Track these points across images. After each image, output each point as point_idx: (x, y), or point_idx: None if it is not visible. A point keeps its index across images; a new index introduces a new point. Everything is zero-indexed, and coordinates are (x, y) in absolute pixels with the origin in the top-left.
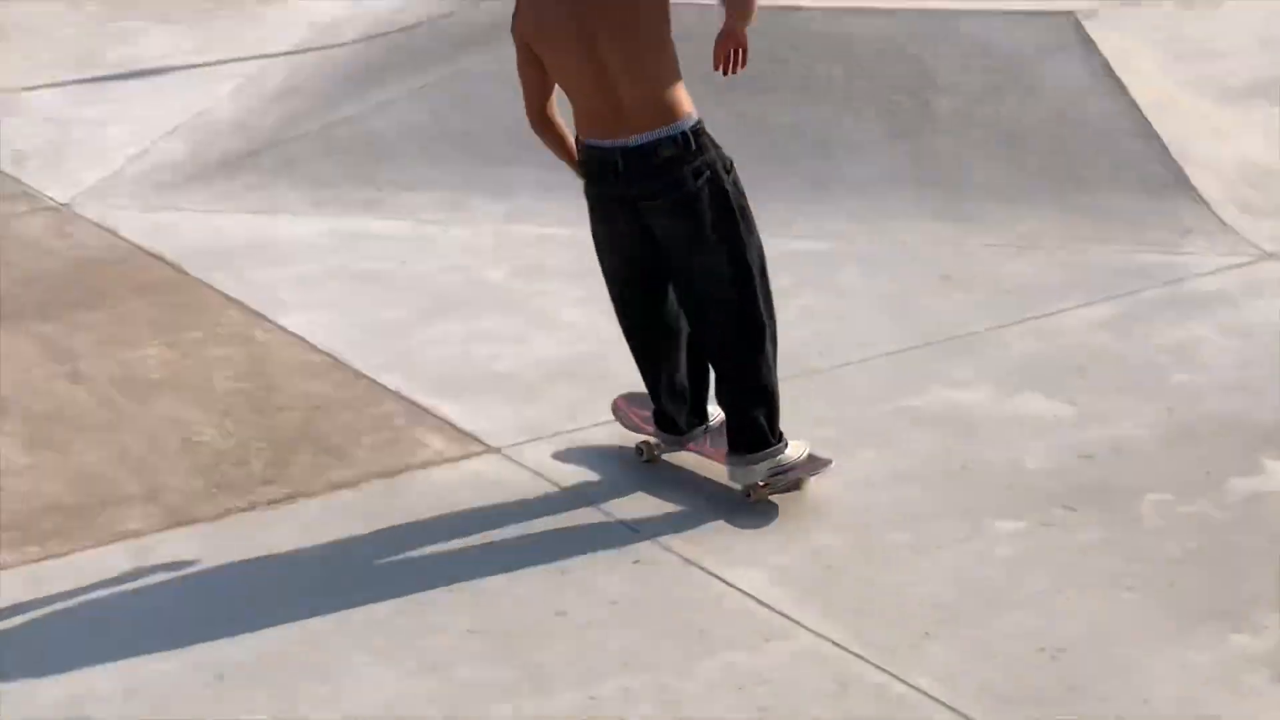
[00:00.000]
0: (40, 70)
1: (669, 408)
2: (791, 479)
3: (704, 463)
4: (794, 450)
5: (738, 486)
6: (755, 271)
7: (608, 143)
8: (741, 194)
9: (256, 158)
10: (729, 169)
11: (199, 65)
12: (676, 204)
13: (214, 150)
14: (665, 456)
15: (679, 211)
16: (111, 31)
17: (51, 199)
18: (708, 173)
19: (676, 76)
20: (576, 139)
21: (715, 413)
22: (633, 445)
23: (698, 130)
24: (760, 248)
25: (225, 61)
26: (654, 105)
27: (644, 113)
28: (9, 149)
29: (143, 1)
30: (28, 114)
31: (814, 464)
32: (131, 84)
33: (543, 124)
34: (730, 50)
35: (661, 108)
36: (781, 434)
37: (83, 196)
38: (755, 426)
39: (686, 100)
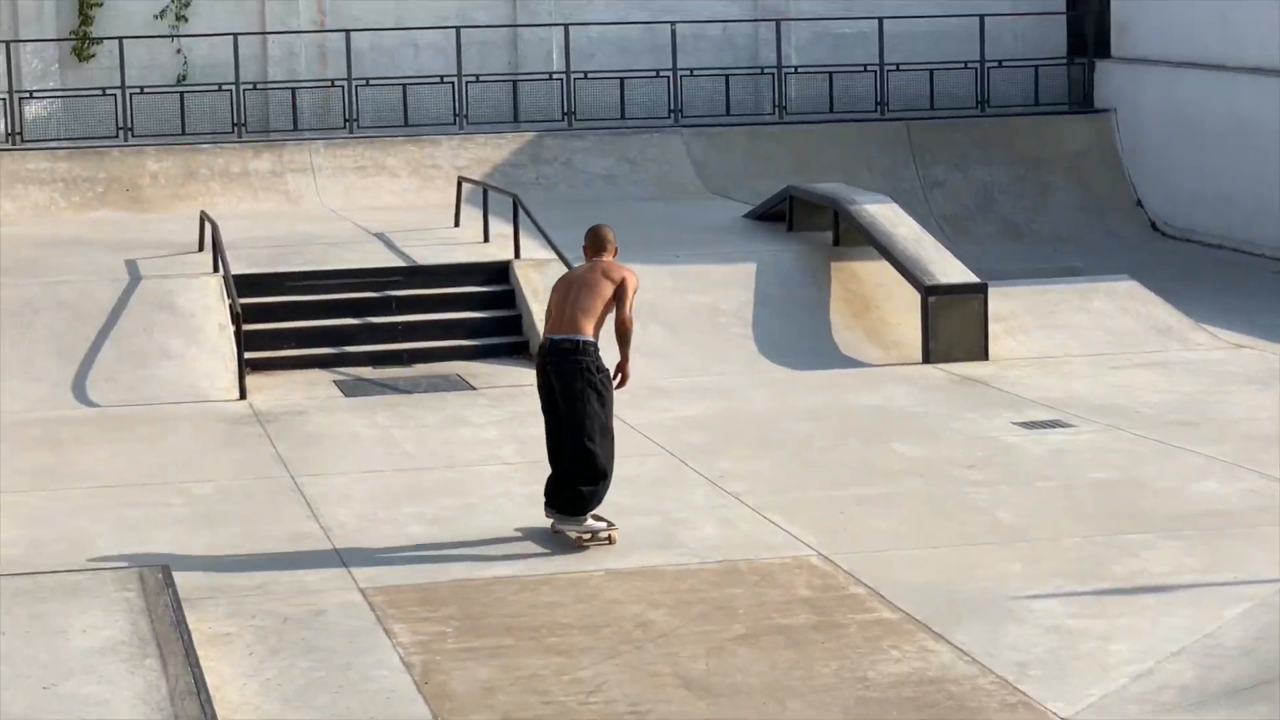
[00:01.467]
0: (1043, 579)
1: (550, 484)
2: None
3: None
4: (591, 524)
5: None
6: (591, 428)
7: (553, 337)
8: (606, 389)
9: (1268, 687)
10: (600, 369)
11: (1207, 585)
12: (561, 374)
13: (1221, 676)
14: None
15: (561, 378)
16: (1117, 544)
17: (1054, 712)
18: (583, 363)
19: (596, 324)
20: (543, 335)
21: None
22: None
23: (588, 342)
24: (603, 418)
25: (1235, 583)
26: (575, 328)
27: (569, 329)
28: (1011, 657)
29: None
30: (1031, 622)
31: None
32: (1137, 599)
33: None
34: (623, 375)
35: (577, 329)
36: (587, 516)
37: (1086, 712)
38: (570, 500)
39: (592, 331)
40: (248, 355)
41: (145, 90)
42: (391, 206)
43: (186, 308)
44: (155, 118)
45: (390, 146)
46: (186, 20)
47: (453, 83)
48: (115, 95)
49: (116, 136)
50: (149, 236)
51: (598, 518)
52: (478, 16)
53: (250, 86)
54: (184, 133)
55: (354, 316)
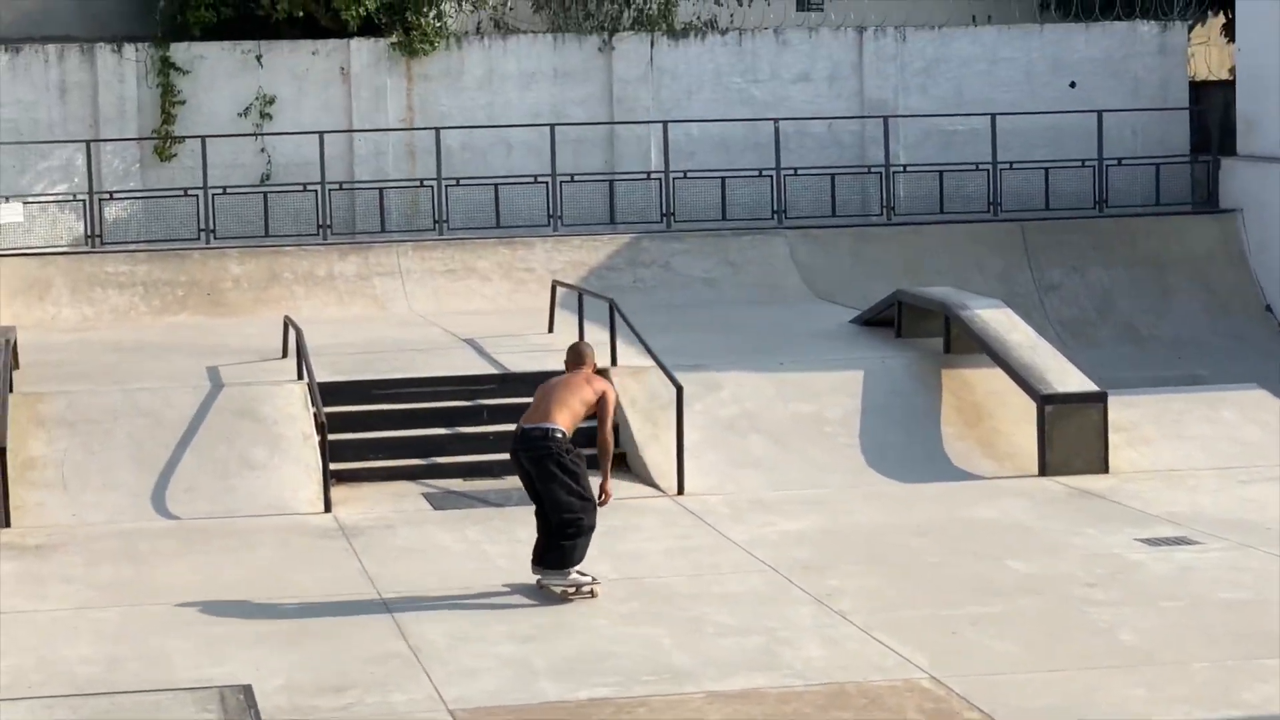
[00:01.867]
0: (1170, 705)
1: (540, 543)
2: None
3: None
4: (576, 577)
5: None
6: (568, 503)
7: (527, 425)
8: (577, 465)
9: None
10: (568, 450)
11: None
12: (532, 459)
13: None
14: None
15: (533, 461)
16: (1248, 669)
17: None
18: (551, 448)
19: (569, 419)
20: (518, 425)
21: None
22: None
23: (557, 429)
24: (579, 490)
25: None
26: (547, 418)
27: (541, 419)
28: None
29: None
30: None
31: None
32: None
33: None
34: (605, 495)
35: (548, 419)
36: (573, 569)
37: None
38: (555, 556)
39: (563, 422)
40: (333, 466)
41: (228, 190)
42: (482, 311)
43: (270, 416)
44: (238, 219)
45: (481, 249)
46: (271, 118)
47: (546, 182)
48: (197, 196)
49: (198, 238)
50: (231, 342)
51: (581, 573)
52: (573, 113)
53: (336, 186)
54: (267, 234)
55: (443, 426)
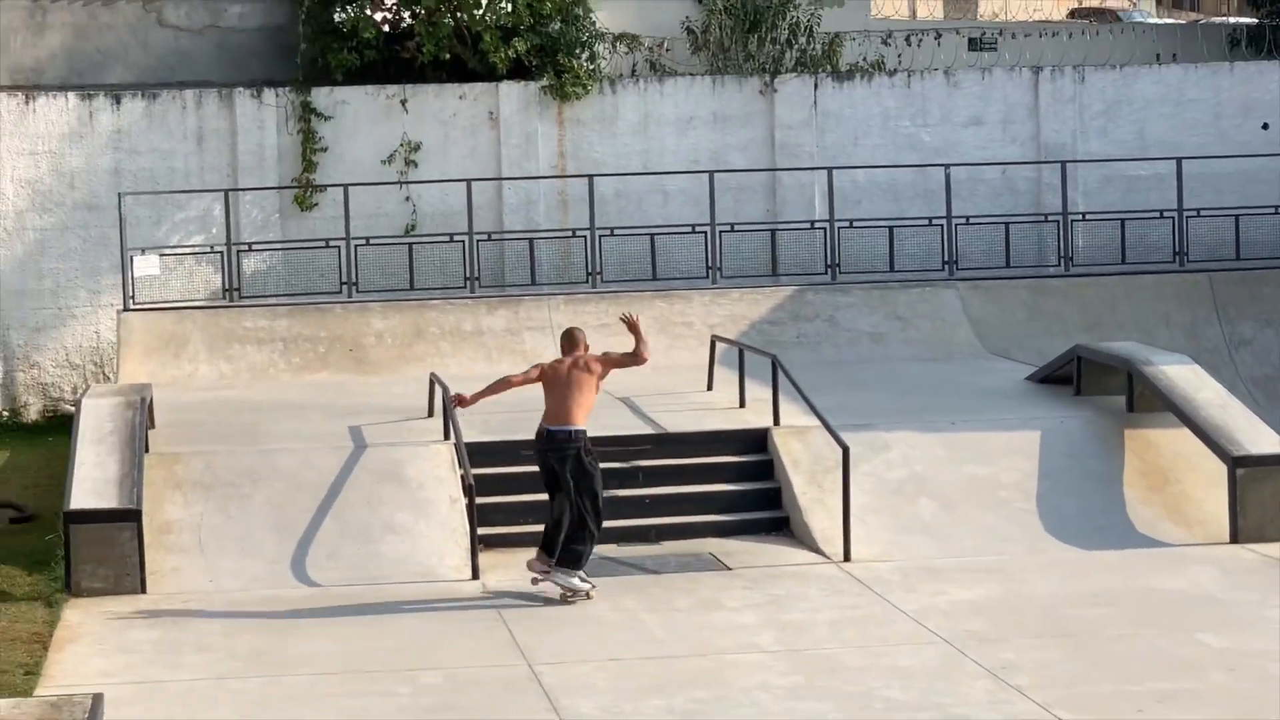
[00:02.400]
0: None
1: (551, 537)
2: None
3: None
4: (577, 583)
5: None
6: (585, 502)
7: (552, 427)
8: (595, 468)
9: None
10: (590, 453)
11: None
12: (561, 459)
13: None
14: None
15: (562, 461)
16: None
17: None
18: (576, 450)
19: (586, 414)
20: (541, 425)
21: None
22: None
23: (580, 431)
24: (594, 490)
25: None
26: (569, 419)
27: (565, 421)
28: None
29: None
30: None
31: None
32: None
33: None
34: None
35: (570, 421)
36: (579, 572)
37: None
38: (569, 556)
39: (586, 423)
40: (481, 530)
41: (371, 241)
42: (638, 368)
43: (415, 478)
44: (381, 271)
45: (637, 302)
46: (416, 165)
47: (705, 232)
48: (339, 247)
49: (340, 292)
50: (374, 400)
51: (583, 578)
52: (733, 160)
53: (484, 237)
54: (412, 288)
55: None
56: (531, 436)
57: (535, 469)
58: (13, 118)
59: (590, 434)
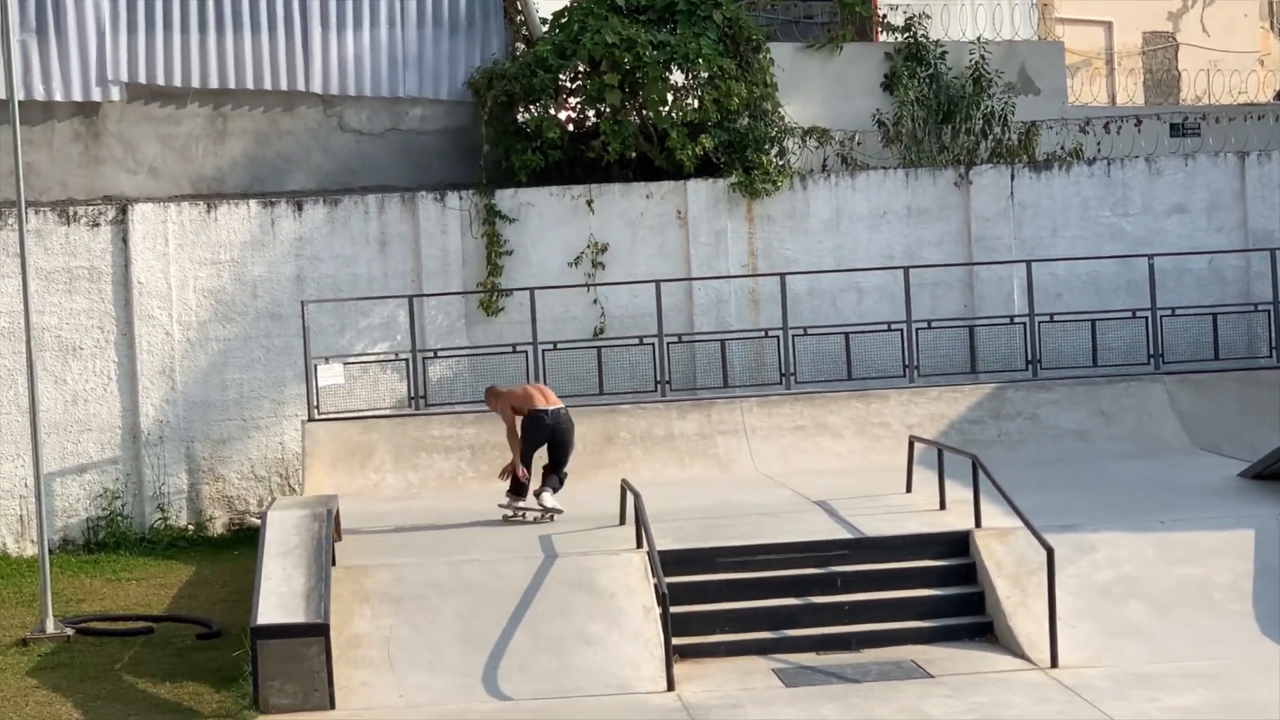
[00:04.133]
0: None
1: (544, 480)
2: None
3: None
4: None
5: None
6: (568, 455)
7: (551, 408)
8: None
9: None
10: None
11: None
12: (566, 428)
13: None
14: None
15: (568, 431)
16: None
17: None
18: (572, 422)
19: None
20: (531, 411)
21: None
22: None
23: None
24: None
25: None
26: (559, 403)
27: (556, 402)
28: None
29: None
30: None
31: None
32: None
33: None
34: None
35: (561, 404)
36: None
37: None
38: (559, 481)
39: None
40: (676, 640)
41: (558, 346)
42: (834, 470)
43: (608, 588)
44: (569, 376)
45: (832, 403)
46: (603, 267)
47: (901, 329)
48: (526, 352)
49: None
50: (565, 508)
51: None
52: (927, 254)
53: (675, 339)
54: (601, 392)
55: (794, 596)
56: (724, 543)
57: (732, 575)
58: (195, 227)
59: (786, 539)
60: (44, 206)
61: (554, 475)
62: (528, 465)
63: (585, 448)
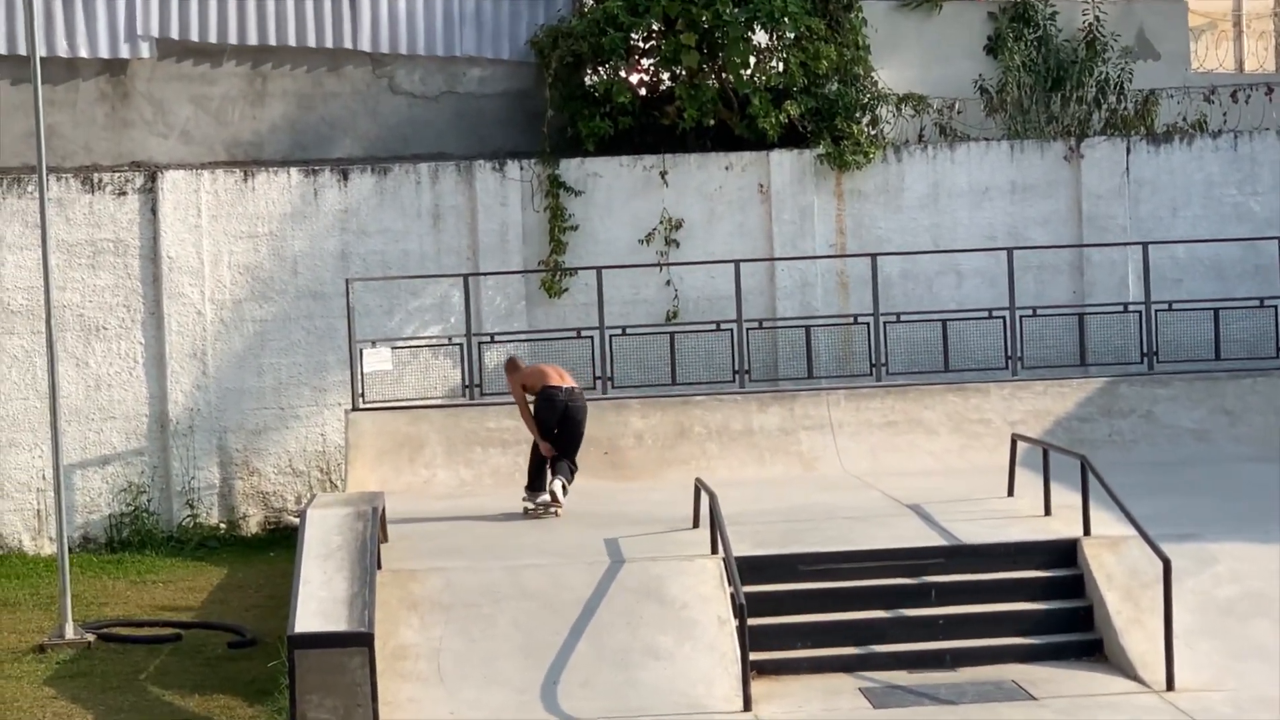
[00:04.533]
0: None
1: (552, 468)
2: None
3: None
4: (556, 493)
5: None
6: (579, 447)
7: (565, 385)
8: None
9: None
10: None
11: None
12: (578, 407)
13: None
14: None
15: (579, 410)
16: None
17: None
18: (585, 402)
19: None
20: (544, 388)
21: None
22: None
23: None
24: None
25: None
26: (572, 381)
27: (570, 381)
28: None
29: None
30: None
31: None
32: None
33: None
34: None
35: (574, 382)
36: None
37: None
38: (569, 473)
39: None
40: (753, 655)
41: (627, 331)
42: (929, 471)
43: (678, 597)
44: (639, 364)
45: (926, 397)
46: (677, 245)
47: (1003, 317)
48: (591, 338)
49: (593, 388)
50: (632, 509)
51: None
52: (1033, 235)
53: (755, 325)
54: (674, 383)
55: (883, 608)
56: (807, 549)
57: (815, 585)
58: (230, 196)
59: (875, 546)
60: (66, 173)
61: (564, 463)
62: (539, 452)
63: (656, 443)
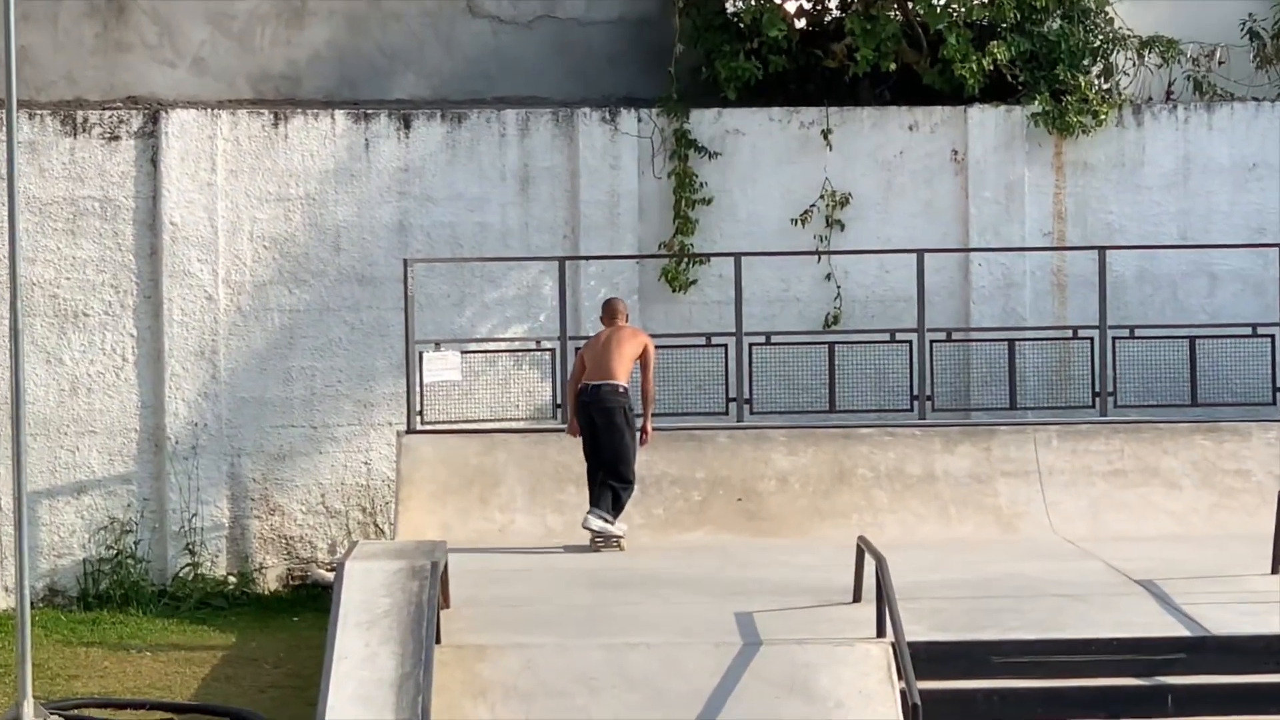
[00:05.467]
0: None
1: (593, 492)
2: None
3: None
4: (615, 529)
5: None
6: (626, 455)
7: (592, 383)
8: (632, 422)
9: None
10: (630, 409)
11: None
12: (602, 411)
13: None
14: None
15: (603, 414)
16: None
17: None
18: (621, 403)
19: (627, 374)
20: (582, 384)
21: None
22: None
23: (624, 387)
24: (633, 448)
25: None
26: (612, 375)
27: (607, 376)
28: None
29: None
30: None
31: (612, 542)
32: None
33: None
34: (645, 434)
35: (613, 376)
36: (615, 519)
37: None
38: (607, 502)
39: (625, 378)
40: None
41: (772, 339)
42: (1167, 536)
43: (832, 693)
44: (788, 384)
45: (1166, 439)
46: (842, 228)
47: (1271, 335)
48: (725, 345)
49: (726, 413)
50: (772, 574)
51: (616, 526)
52: None
53: (942, 336)
54: (832, 409)
55: (1107, 714)
56: (1004, 635)
57: (1014, 682)
58: (255, 146)
59: (1095, 634)
60: (41, 109)
61: (606, 488)
62: (589, 466)
63: (806, 488)
